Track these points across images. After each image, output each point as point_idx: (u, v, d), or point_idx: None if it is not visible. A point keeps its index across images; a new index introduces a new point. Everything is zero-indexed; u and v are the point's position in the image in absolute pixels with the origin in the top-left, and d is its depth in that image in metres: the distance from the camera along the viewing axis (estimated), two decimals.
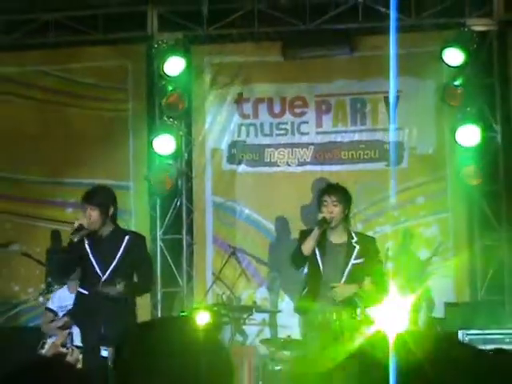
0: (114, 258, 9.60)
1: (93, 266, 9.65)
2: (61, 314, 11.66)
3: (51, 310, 11.71)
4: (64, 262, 10.28)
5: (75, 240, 9.64)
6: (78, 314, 10.23)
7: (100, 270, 9.59)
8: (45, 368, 2.55)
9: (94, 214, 9.60)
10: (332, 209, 9.65)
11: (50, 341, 11.40)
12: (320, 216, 9.70)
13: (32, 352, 11.58)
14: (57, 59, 13.66)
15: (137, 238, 10.11)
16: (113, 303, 9.56)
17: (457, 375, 2.74)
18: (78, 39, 13.50)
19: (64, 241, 12.62)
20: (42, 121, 13.71)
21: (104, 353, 9.86)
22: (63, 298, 11.62)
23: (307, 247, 9.68)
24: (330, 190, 10.02)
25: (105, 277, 9.54)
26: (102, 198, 9.81)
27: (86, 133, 13.66)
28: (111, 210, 9.76)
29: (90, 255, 9.64)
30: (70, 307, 11.07)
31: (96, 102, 13.69)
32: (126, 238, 9.81)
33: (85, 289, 9.80)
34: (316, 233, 9.70)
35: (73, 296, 10.93)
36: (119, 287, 9.37)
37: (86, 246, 9.62)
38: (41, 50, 13.58)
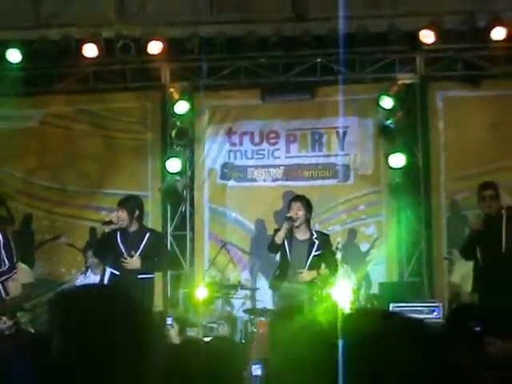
0: (138, 248, 9.88)
1: (122, 252, 9.90)
2: None
3: None
4: (100, 244, 10.51)
5: (105, 230, 9.99)
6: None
7: (127, 255, 9.87)
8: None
9: (123, 214, 9.92)
10: (297, 212, 10.01)
11: None
12: (288, 215, 10.08)
13: None
14: (96, 101, 13.68)
15: (155, 234, 10.47)
16: (135, 279, 9.86)
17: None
18: (111, 87, 13.53)
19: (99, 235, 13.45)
20: (83, 146, 13.70)
21: None
22: (88, 279, 11.61)
23: (279, 237, 10.04)
24: (297, 198, 10.41)
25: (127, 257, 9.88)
26: (130, 203, 10.11)
27: (116, 155, 13.70)
28: (136, 213, 10.01)
29: (120, 244, 9.91)
30: None
31: (124, 133, 13.75)
32: (148, 234, 10.10)
33: (116, 270, 10.01)
34: (285, 226, 10.07)
35: (96, 277, 11.25)
36: (135, 259, 9.74)
37: (118, 238, 9.91)
38: (84, 94, 13.56)
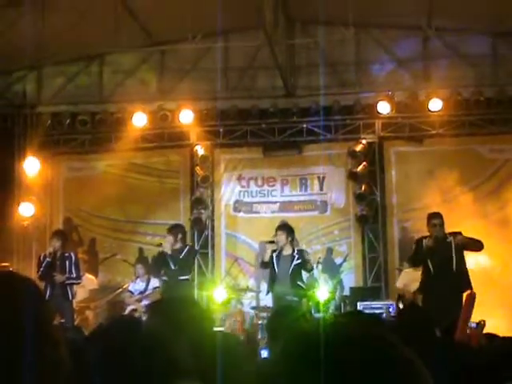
0: (179, 257, 10.47)
1: (169, 264, 10.47)
2: (136, 293, 11.76)
3: (130, 291, 11.87)
4: (156, 262, 11.09)
5: (160, 249, 10.64)
6: (164, 290, 10.94)
7: (172, 265, 10.41)
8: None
9: (170, 238, 10.55)
10: (280, 237, 10.30)
11: (129, 308, 11.57)
12: (271, 239, 10.48)
13: (121, 311, 11.89)
14: (142, 156, 13.74)
15: (190, 247, 11.12)
16: (177, 281, 10.46)
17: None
18: (154, 145, 13.61)
19: (145, 253, 13.46)
20: (133, 188, 13.69)
21: None
22: (137, 285, 11.81)
23: (266, 256, 10.45)
24: (280, 227, 10.60)
25: (173, 268, 10.41)
26: (174, 230, 10.71)
27: (157, 195, 13.73)
28: (179, 236, 10.63)
29: (169, 258, 10.47)
30: (139, 291, 11.64)
31: (163, 178, 13.78)
32: (186, 248, 10.74)
33: (166, 276, 10.65)
34: (271, 249, 10.49)
35: (143, 284, 11.65)
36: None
37: (167, 254, 10.49)
38: (134, 151, 13.56)
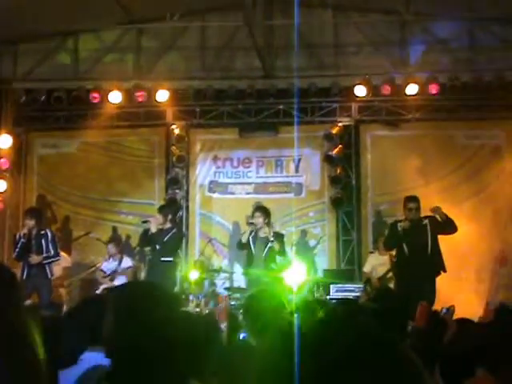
0: (164, 238, 10.42)
1: (154, 243, 10.48)
2: (108, 272, 11.77)
3: (102, 270, 11.90)
4: (141, 238, 11.05)
5: (146, 227, 10.66)
6: (148, 268, 11.11)
7: (157, 245, 10.42)
8: None
9: (159, 217, 10.53)
10: (258, 219, 10.32)
11: (102, 287, 11.45)
12: (250, 221, 10.47)
13: (94, 289, 11.84)
14: (117, 134, 13.65)
15: (177, 231, 11.04)
16: (159, 262, 10.47)
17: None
18: (129, 124, 13.50)
19: (119, 232, 13.50)
20: (108, 167, 13.64)
21: None
22: (110, 264, 11.85)
23: (244, 237, 10.45)
24: (257, 208, 10.72)
25: (158, 247, 10.41)
26: (165, 209, 10.88)
27: (132, 174, 13.66)
28: (169, 216, 10.66)
29: (153, 238, 10.44)
30: (112, 270, 11.70)
31: (138, 157, 13.72)
32: (173, 230, 10.65)
33: (151, 255, 10.72)
34: (249, 230, 10.45)
35: (115, 263, 11.72)
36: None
37: (152, 233, 10.43)
38: (109, 129, 13.44)
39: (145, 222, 10.79)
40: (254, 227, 10.39)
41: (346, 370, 1.19)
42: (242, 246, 10.64)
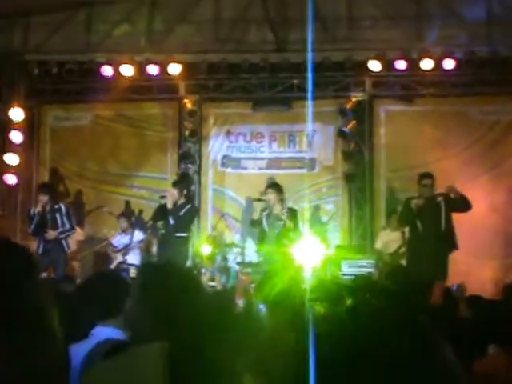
0: (180, 213, 10.37)
1: (168, 218, 10.35)
2: (120, 247, 11.88)
3: (113, 245, 12.06)
4: (155, 213, 10.95)
5: (162, 202, 10.60)
6: (161, 243, 11.07)
7: (171, 220, 10.29)
8: None
9: (174, 192, 10.44)
10: (270, 195, 10.19)
11: (116, 261, 11.67)
12: (261, 197, 10.50)
13: (107, 263, 12.14)
14: (130, 108, 13.67)
15: (192, 206, 11.01)
16: (174, 237, 10.40)
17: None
18: (142, 97, 13.47)
19: (132, 206, 13.53)
20: (121, 140, 13.65)
21: None
22: (122, 238, 11.98)
23: (254, 215, 10.52)
24: (270, 185, 10.60)
25: (172, 223, 10.30)
26: (180, 184, 10.84)
27: (145, 148, 13.66)
28: (184, 191, 10.65)
29: (169, 213, 10.34)
30: (124, 244, 11.80)
31: (151, 131, 13.67)
32: (188, 205, 10.62)
33: (164, 230, 10.62)
34: (259, 207, 10.44)
35: (127, 236, 11.84)
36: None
37: (168, 208, 10.36)
38: (122, 102, 13.52)
39: (162, 197, 10.72)
40: (267, 204, 10.30)
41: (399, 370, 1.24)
42: (255, 224, 10.59)
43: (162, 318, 2.17)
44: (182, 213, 10.44)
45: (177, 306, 2.19)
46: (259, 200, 10.51)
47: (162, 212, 10.58)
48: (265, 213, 10.29)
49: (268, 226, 10.24)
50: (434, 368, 1.25)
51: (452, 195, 9.35)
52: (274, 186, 10.55)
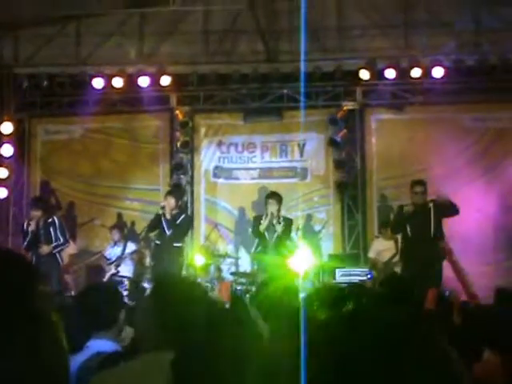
0: (175, 223, 10.40)
1: (164, 227, 10.41)
2: (113, 259, 11.82)
3: (106, 257, 12.02)
4: (152, 222, 10.84)
5: (160, 212, 10.47)
6: (155, 253, 10.98)
7: (167, 230, 10.35)
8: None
9: (172, 201, 10.47)
10: (273, 207, 10.21)
11: (108, 273, 11.64)
12: (270, 211, 10.23)
13: (99, 275, 12.13)
14: (121, 120, 13.67)
15: (185, 215, 11.01)
16: (171, 247, 10.43)
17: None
18: (133, 109, 13.45)
19: (124, 218, 13.44)
20: (112, 152, 13.66)
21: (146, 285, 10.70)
22: (114, 250, 11.92)
23: (263, 227, 10.23)
24: (272, 195, 10.49)
25: (168, 233, 10.34)
26: (176, 193, 11.00)
27: (136, 160, 13.62)
28: (179, 202, 10.71)
29: (165, 222, 10.39)
30: (117, 256, 11.72)
31: (142, 143, 13.67)
32: (183, 214, 10.67)
33: (159, 240, 10.58)
34: (268, 219, 10.21)
35: (119, 248, 11.75)
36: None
37: (165, 218, 10.39)
38: (113, 114, 13.57)
39: (163, 207, 10.66)
40: (267, 214, 10.28)
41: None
42: (259, 234, 10.44)
43: (173, 328, 2.22)
44: (178, 222, 10.48)
45: (191, 319, 2.25)
46: (271, 215, 10.28)
47: (158, 222, 10.57)
48: (265, 223, 10.27)
49: (268, 235, 10.30)
50: (441, 371, 1.29)
51: (439, 200, 9.41)
52: (275, 195, 10.50)
